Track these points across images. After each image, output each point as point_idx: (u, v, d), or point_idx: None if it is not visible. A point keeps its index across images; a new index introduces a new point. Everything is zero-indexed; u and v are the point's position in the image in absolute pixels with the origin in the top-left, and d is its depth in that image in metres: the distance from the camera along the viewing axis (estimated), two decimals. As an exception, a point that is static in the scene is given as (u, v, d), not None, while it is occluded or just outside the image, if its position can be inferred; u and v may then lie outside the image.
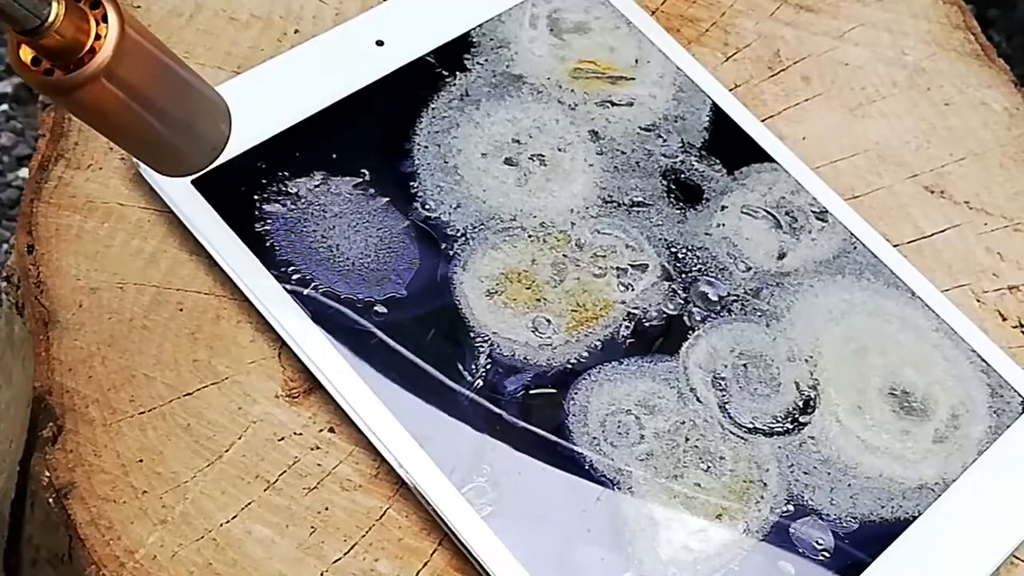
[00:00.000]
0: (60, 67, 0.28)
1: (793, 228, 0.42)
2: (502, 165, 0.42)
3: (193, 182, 0.39)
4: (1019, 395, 0.40)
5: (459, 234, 0.40)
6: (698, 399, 0.38)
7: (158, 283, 0.38)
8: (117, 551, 0.34)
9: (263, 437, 0.36)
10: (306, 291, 0.38)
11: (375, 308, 0.38)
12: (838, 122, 0.46)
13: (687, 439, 0.37)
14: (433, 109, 0.43)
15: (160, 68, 0.30)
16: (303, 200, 0.40)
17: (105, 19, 0.28)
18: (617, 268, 0.40)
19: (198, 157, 0.33)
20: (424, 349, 0.37)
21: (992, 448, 0.39)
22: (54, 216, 0.39)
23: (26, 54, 0.28)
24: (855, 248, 0.42)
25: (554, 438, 0.37)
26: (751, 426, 0.38)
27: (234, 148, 0.39)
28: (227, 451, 0.36)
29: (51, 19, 0.27)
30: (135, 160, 0.32)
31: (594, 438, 0.37)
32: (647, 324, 0.39)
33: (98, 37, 0.28)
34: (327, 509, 0.35)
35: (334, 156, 0.41)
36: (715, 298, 0.40)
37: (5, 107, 0.89)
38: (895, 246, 0.43)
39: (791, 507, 0.37)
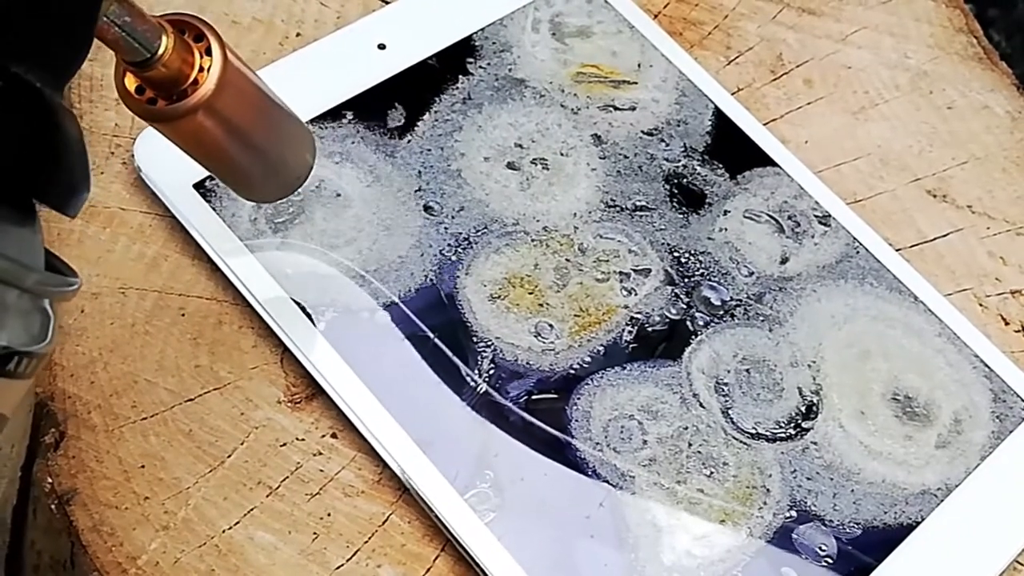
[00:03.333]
0: (163, 97, 0.28)
1: (796, 233, 0.42)
2: (505, 169, 0.42)
3: (195, 186, 0.39)
4: (1022, 400, 0.40)
5: (462, 238, 0.40)
6: (701, 404, 0.38)
7: (160, 288, 0.38)
8: (119, 557, 0.34)
9: (265, 443, 0.36)
10: (309, 296, 0.38)
11: (377, 313, 0.38)
12: (840, 126, 0.46)
13: (690, 444, 0.37)
14: (436, 112, 0.43)
15: (257, 101, 0.31)
16: (305, 203, 0.40)
17: (209, 52, 0.28)
18: (620, 273, 0.40)
19: (283, 186, 0.34)
20: (426, 354, 0.37)
21: (995, 453, 0.39)
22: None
23: (131, 83, 0.29)
24: (858, 253, 0.42)
25: (557, 443, 0.37)
26: (754, 431, 0.38)
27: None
28: (229, 457, 0.36)
29: (160, 52, 0.27)
30: (224, 185, 0.33)
31: (597, 443, 0.37)
32: (650, 329, 0.39)
33: (201, 70, 0.28)
34: (329, 515, 0.35)
35: (335, 160, 0.41)
36: (718, 303, 0.40)
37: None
38: (897, 250, 0.43)
39: (794, 513, 0.37)
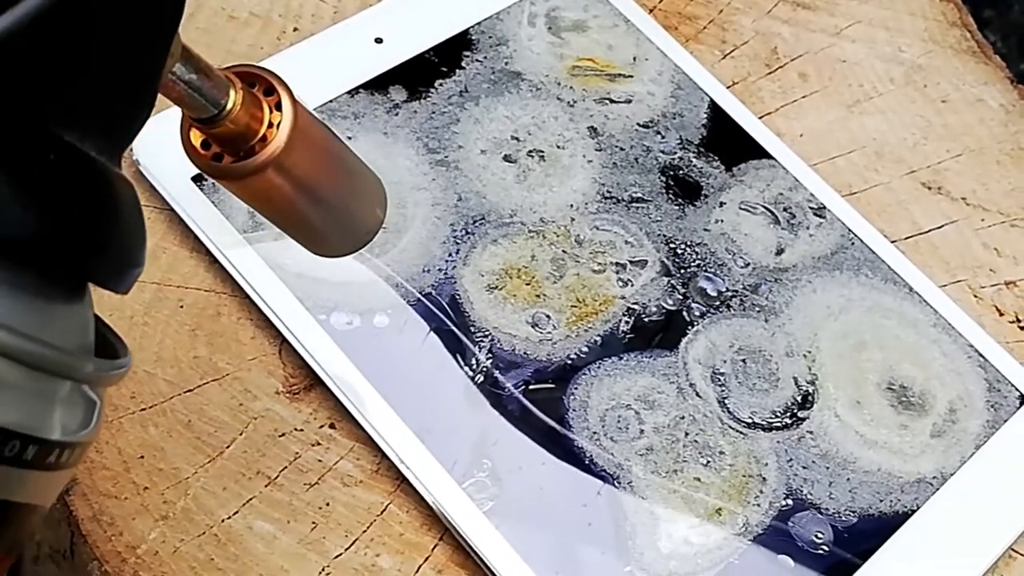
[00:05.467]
0: (230, 153, 0.27)
1: (791, 224, 0.42)
2: (501, 161, 0.42)
3: (193, 179, 0.39)
4: (1016, 390, 0.40)
5: (459, 229, 0.40)
6: (697, 394, 0.38)
7: (158, 280, 0.38)
8: (119, 547, 0.34)
9: (264, 433, 0.36)
10: (306, 287, 0.38)
11: (375, 304, 0.38)
12: (835, 119, 0.46)
13: (687, 434, 0.37)
14: (432, 105, 0.43)
15: (327, 157, 0.29)
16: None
17: (279, 107, 0.27)
18: (616, 264, 0.40)
19: (352, 241, 0.32)
20: (424, 344, 0.38)
21: (989, 442, 0.39)
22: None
23: (196, 138, 0.27)
24: (853, 244, 0.42)
25: (554, 433, 0.37)
26: (750, 421, 0.38)
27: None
28: (228, 447, 0.36)
29: (228, 108, 0.26)
30: (293, 239, 0.31)
31: (594, 433, 0.37)
32: (646, 319, 0.40)
33: (270, 125, 0.27)
34: (328, 504, 0.35)
35: (334, 153, 0.41)
36: (714, 294, 0.40)
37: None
38: (893, 242, 0.43)
39: (790, 501, 0.37)
